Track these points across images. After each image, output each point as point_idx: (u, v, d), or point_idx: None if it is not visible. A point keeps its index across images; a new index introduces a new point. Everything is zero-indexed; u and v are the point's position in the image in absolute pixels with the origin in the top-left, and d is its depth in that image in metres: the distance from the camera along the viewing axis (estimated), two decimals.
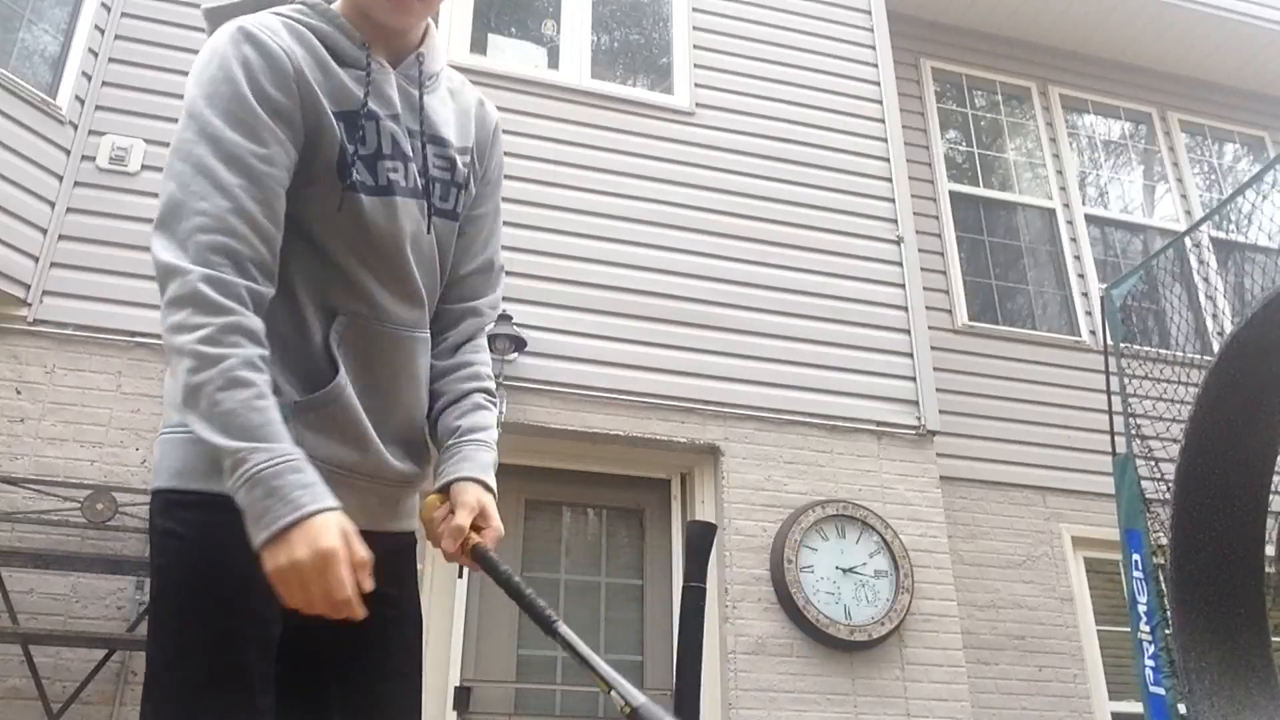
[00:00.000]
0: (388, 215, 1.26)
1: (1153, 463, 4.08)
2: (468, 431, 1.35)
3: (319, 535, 1.01)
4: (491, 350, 4.26)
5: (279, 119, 1.20)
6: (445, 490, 1.29)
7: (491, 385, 1.43)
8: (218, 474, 1.08)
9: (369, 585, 1.05)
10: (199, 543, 1.13)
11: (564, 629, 1.20)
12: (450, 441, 1.35)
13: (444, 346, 1.40)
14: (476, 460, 1.32)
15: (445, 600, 3.99)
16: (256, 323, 1.13)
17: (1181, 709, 3.55)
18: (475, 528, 1.26)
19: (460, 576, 4.02)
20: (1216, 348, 3.82)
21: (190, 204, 1.22)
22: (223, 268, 1.16)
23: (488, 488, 1.30)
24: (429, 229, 1.32)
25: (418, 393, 1.34)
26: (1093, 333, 5.76)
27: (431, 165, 1.33)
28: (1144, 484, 4.11)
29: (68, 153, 4.03)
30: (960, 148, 6.36)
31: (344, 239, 1.25)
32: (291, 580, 1.00)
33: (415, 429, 1.35)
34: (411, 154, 1.30)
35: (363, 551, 1.05)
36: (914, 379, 4.74)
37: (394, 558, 1.31)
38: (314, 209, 1.23)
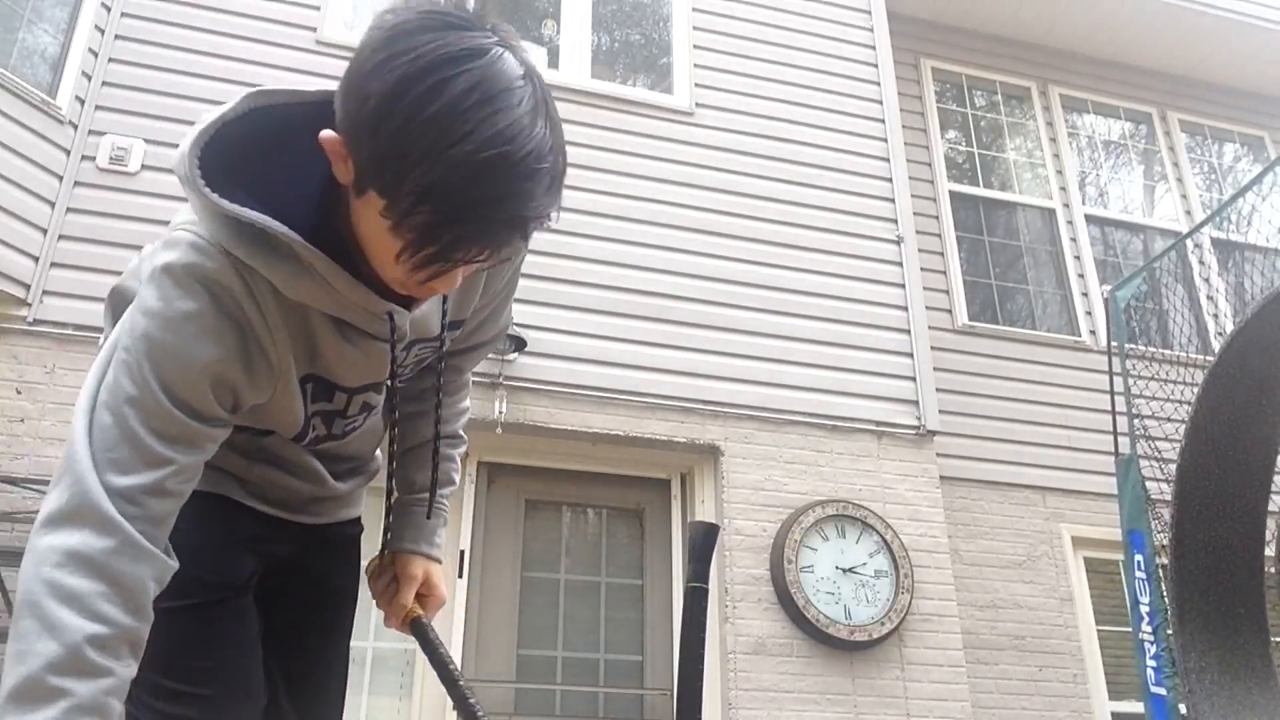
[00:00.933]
0: (333, 446, 1.30)
1: (1158, 463, 4.08)
2: (421, 489, 1.38)
3: None
4: (491, 350, 4.26)
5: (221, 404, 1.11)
6: (390, 555, 1.37)
7: (458, 426, 1.43)
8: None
9: None
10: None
11: None
12: (405, 497, 1.37)
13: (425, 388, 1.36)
14: (424, 530, 1.36)
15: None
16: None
17: (1182, 709, 3.55)
18: (419, 596, 1.34)
19: (460, 576, 4.03)
20: (1217, 347, 3.82)
21: None
22: None
23: (433, 559, 1.37)
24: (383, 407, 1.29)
25: (371, 442, 1.37)
26: (1092, 332, 5.76)
27: (413, 356, 1.23)
28: (1148, 485, 4.11)
29: (68, 153, 4.03)
30: (960, 148, 6.36)
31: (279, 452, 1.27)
32: None
33: (366, 461, 1.41)
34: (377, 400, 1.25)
35: None
36: (914, 379, 4.74)
37: (346, 546, 1.42)
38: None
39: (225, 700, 1.14)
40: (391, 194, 0.91)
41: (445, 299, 1.19)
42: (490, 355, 4.13)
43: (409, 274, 0.98)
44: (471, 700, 1.22)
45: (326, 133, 0.95)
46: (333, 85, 1.00)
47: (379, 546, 1.41)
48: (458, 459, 1.43)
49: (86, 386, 1.00)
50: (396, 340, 1.13)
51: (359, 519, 1.47)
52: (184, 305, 0.98)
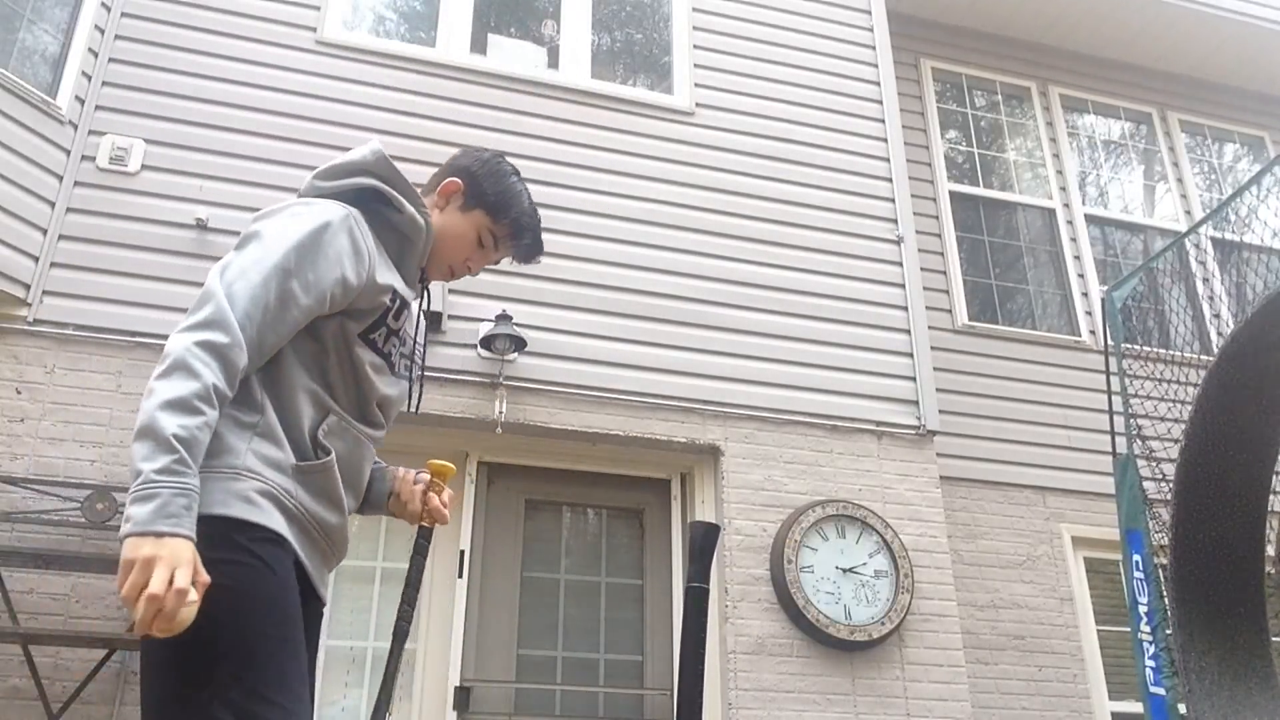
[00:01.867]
0: (378, 375, 1.64)
1: (1154, 463, 4.08)
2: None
3: (177, 547, 1.26)
4: (491, 350, 4.29)
5: (340, 289, 1.54)
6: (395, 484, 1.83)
7: None
8: (276, 512, 1.45)
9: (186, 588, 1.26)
10: (267, 568, 1.42)
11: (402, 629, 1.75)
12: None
13: None
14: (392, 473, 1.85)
15: (445, 600, 3.99)
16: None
17: (1181, 709, 3.55)
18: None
19: (460, 576, 4.03)
20: (1217, 348, 3.82)
21: (240, 302, 1.45)
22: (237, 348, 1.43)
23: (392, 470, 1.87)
24: (413, 407, 1.80)
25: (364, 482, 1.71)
26: (1092, 333, 5.76)
27: (414, 353, 1.78)
28: (1146, 484, 4.12)
29: (68, 153, 4.03)
30: (960, 148, 6.36)
31: (346, 366, 1.60)
32: (124, 569, 1.24)
33: (360, 489, 1.71)
34: (411, 352, 1.75)
35: (183, 583, 1.24)
36: (914, 379, 4.74)
37: (318, 623, 1.69)
38: (331, 336, 1.57)
39: (304, 715, 1.43)
40: (496, 215, 1.82)
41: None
42: (490, 355, 4.14)
43: (470, 261, 1.82)
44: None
45: (451, 180, 1.83)
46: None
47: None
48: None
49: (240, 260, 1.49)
50: (418, 292, 1.75)
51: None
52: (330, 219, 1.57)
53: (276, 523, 1.44)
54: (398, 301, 1.62)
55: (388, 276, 1.61)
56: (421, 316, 1.80)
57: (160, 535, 1.24)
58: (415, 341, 1.77)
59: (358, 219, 1.59)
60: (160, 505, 1.26)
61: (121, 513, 3.44)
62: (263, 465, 1.45)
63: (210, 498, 1.38)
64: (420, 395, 1.79)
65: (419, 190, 1.78)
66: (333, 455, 1.54)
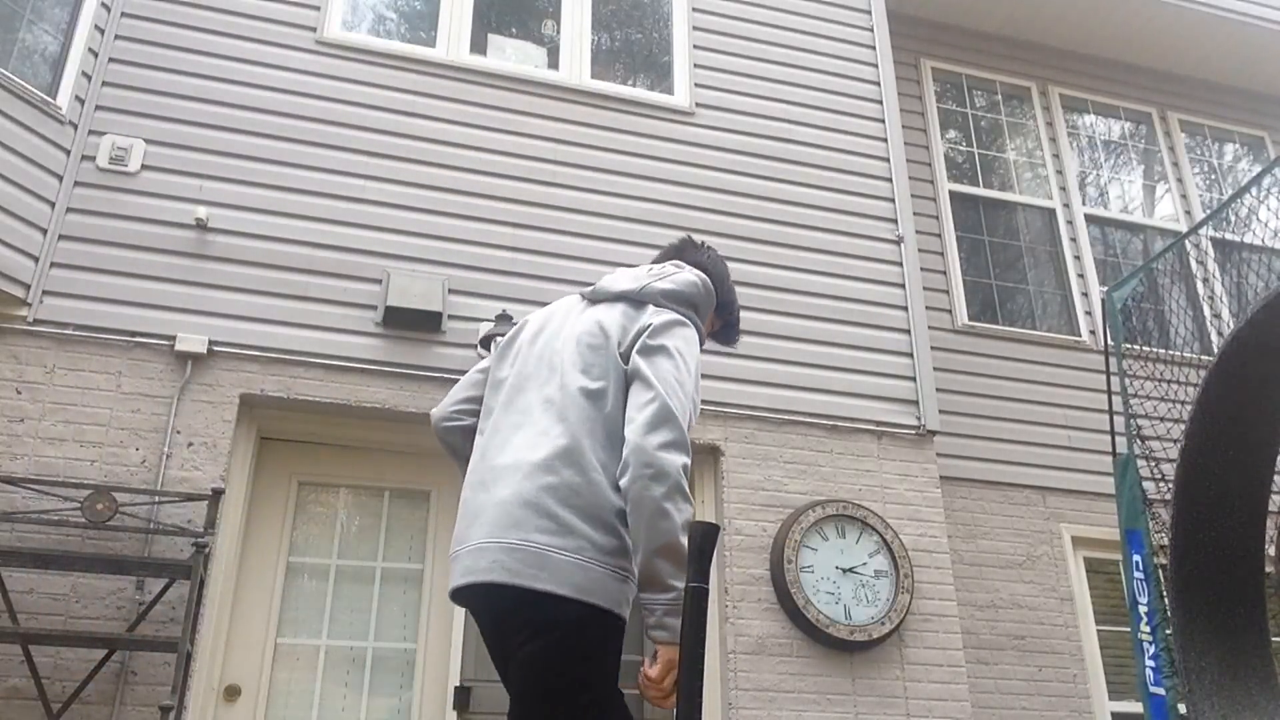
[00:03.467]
0: None
1: (1153, 463, 4.08)
2: None
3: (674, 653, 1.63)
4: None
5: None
6: None
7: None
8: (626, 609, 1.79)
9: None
10: (618, 649, 1.77)
11: None
12: None
13: None
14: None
15: (445, 600, 3.99)
16: None
17: (1181, 709, 3.55)
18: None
19: None
20: (1217, 348, 3.82)
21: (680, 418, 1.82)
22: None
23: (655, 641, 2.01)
24: None
25: None
26: (1092, 333, 5.76)
27: None
28: (1145, 484, 4.12)
29: (68, 153, 4.03)
30: (960, 148, 6.36)
31: None
32: (667, 669, 1.64)
33: None
34: None
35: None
36: (914, 379, 4.74)
37: None
38: None
39: None
40: (721, 311, 2.21)
41: None
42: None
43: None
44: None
45: (712, 317, 2.23)
46: None
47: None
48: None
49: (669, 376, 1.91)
50: None
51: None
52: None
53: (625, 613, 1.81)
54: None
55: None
56: None
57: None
58: None
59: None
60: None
61: (121, 513, 3.45)
62: (631, 567, 1.79)
63: (614, 595, 1.74)
64: None
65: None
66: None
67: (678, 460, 1.70)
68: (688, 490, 1.69)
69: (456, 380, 4.21)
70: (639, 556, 1.71)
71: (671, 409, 1.74)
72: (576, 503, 1.74)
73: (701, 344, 2.07)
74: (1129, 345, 4.51)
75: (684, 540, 1.60)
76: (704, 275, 2.09)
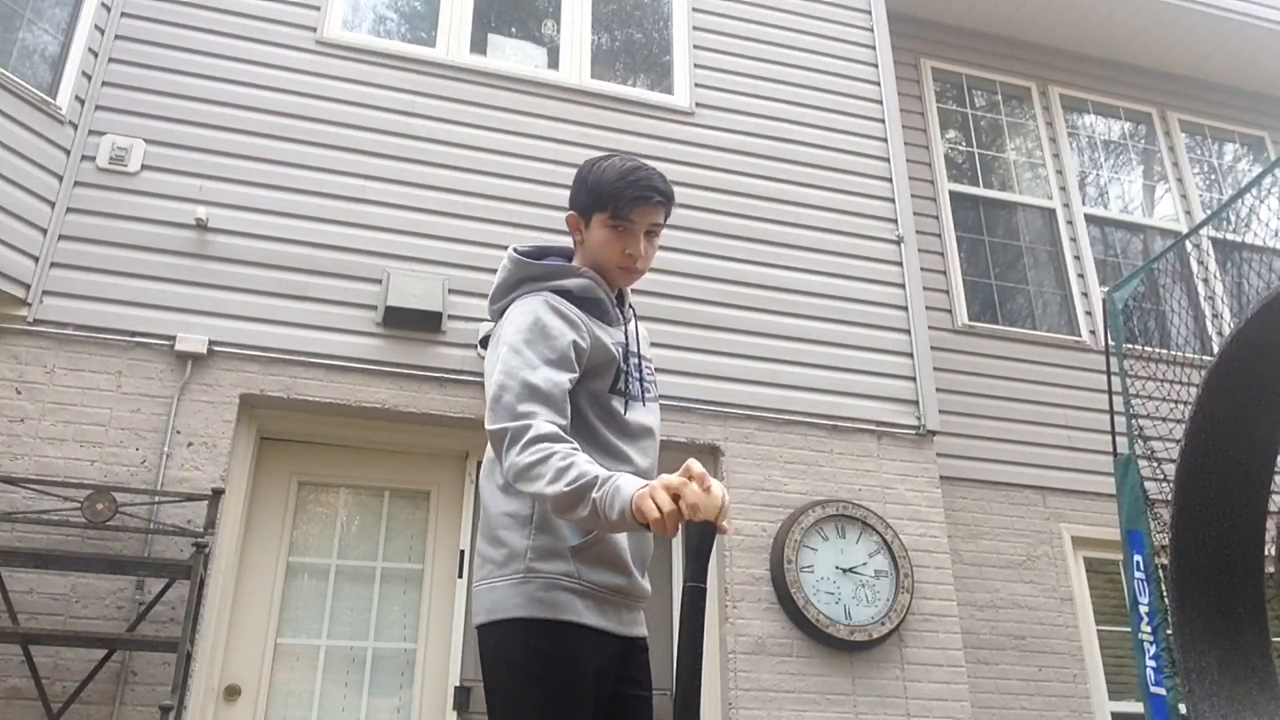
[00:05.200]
0: (634, 412, 1.84)
1: (1155, 463, 4.08)
2: None
3: (646, 492, 1.47)
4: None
5: (579, 356, 1.76)
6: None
7: None
8: (553, 608, 1.64)
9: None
10: (553, 656, 1.63)
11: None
12: None
13: None
14: None
15: (445, 600, 3.99)
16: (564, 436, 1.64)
17: (1182, 709, 3.55)
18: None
19: (461, 576, 4.02)
20: (1216, 348, 3.82)
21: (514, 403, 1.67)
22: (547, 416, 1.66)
23: None
24: (658, 421, 1.91)
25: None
26: (1093, 332, 5.76)
27: (644, 373, 1.92)
28: (1147, 485, 4.11)
29: (68, 153, 4.03)
30: (960, 148, 6.36)
31: (609, 425, 1.79)
32: (647, 509, 1.44)
33: (648, 557, 1.84)
34: (640, 373, 1.90)
35: (673, 480, 1.47)
36: (914, 379, 4.74)
37: (641, 656, 1.81)
38: (591, 405, 1.79)
39: None
40: (602, 205, 1.86)
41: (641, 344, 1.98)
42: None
43: (626, 253, 1.86)
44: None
45: (569, 214, 1.93)
46: None
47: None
48: None
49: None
50: (625, 319, 1.93)
51: (646, 636, 1.86)
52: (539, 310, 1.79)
53: (563, 610, 1.66)
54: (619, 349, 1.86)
55: (605, 336, 1.84)
56: (637, 331, 1.97)
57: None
58: (644, 358, 1.96)
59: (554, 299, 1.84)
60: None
61: (121, 513, 3.45)
62: (541, 560, 1.68)
63: (512, 601, 1.66)
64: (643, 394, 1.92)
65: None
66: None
67: (504, 428, 1.60)
68: (529, 437, 1.58)
69: (457, 380, 4.22)
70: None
71: (493, 395, 1.66)
72: (483, 529, 1.77)
73: (579, 289, 1.88)
74: (1129, 345, 4.51)
75: (557, 481, 1.51)
76: (511, 252, 1.93)
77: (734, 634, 4.04)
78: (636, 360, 1.90)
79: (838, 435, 4.54)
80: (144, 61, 4.32)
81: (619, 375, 1.82)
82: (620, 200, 1.83)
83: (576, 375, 1.73)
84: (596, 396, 1.78)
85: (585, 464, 1.53)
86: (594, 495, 1.49)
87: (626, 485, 1.48)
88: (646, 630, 1.86)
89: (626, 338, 1.89)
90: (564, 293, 1.84)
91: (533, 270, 1.87)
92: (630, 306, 1.99)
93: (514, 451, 1.58)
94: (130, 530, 3.51)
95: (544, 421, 1.60)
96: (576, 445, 1.60)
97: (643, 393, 1.88)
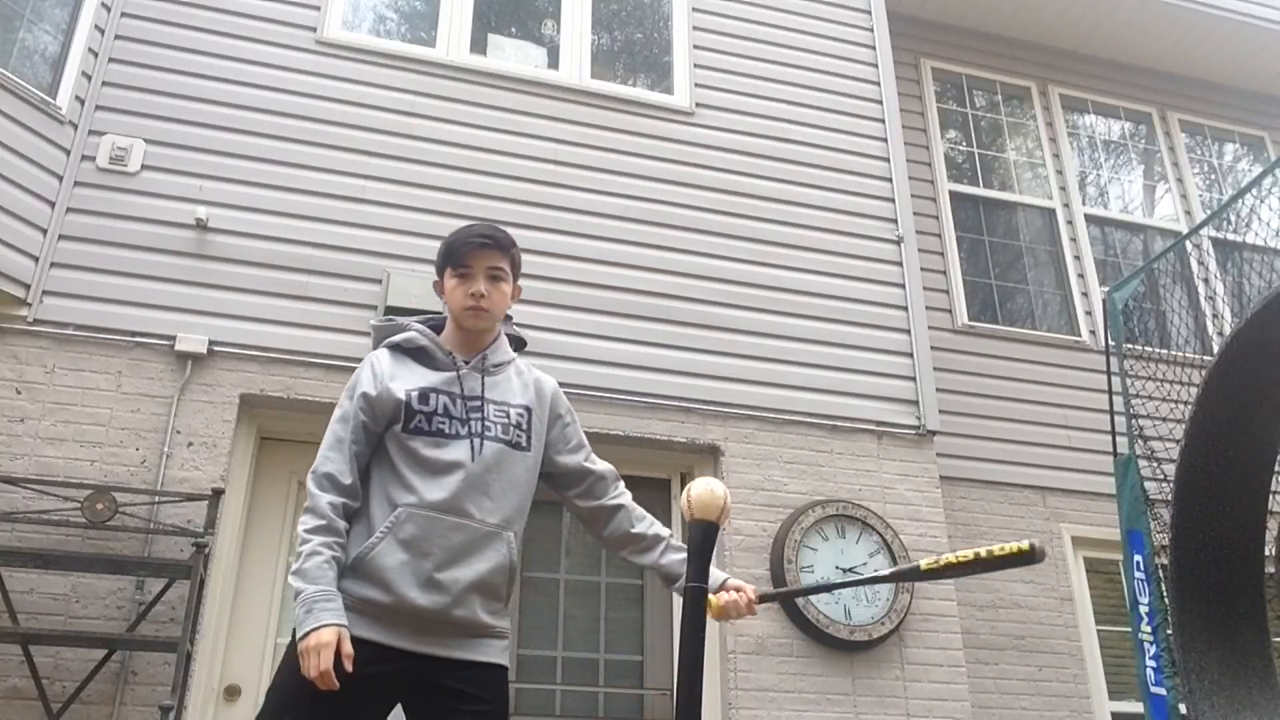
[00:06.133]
0: (438, 449, 1.99)
1: (1155, 463, 4.08)
2: (679, 551, 2.11)
3: (319, 636, 1.77)
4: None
5: (366, 406, 2.01)
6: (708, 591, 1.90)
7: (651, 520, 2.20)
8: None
9: (347, 668, 1.76)
10: (291, 666, 1.85)
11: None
12: (665, 561, 2.14)
13: (605, 506, 2.20)
14: (715, 576, 1.97)
15: None
16: (339, 523, 1.91)
17: (1182, 709, 3.55)
18: (736, 588, 1.99)
19: None
20: (1217, 348, 3.82)
21: (320, 455, 2.00)
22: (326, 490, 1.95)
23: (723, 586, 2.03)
24: (474, 457, 2.00)
25: (480, 564, 1.98)
26: (1093, 332, 5.76)
27: (492, 416, 2.06)
28: (1147, 485, 4.12)
29: (68, 153, 4.03)
30: (960, 148, 6.36)
31: (405, 460, 1.98)
32: (306, 657, 1.76)
33: (482, 586, 1.96)
34: (465, 414, 2.04)
35: (346, 648, 1.76)
36: (914, 379, 4.74)
37: (466, 673, 1.92)
38: (391, 442, 2.00)
39: None
40: (446, 263, 2.14)
41: (521, 394, 2.18)
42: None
43: (468, 296, 2.09)
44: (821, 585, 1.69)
45: (435, 282, 2.20)
46: None
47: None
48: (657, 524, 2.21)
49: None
50: (460, 368, 2.11)
51: (487, 662, 1.98)
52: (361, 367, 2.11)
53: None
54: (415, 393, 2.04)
55: (405, 383, 2.05)
56: (484, 376, 2.14)
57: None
58: (474, 401, 2.09)
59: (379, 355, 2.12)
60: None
61: (121, 513, 3.45)
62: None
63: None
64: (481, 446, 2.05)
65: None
66: (372, 546, 1.92)
67: (309, 494, 1.95)
68: (303, 522, 1.91)
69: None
70: None
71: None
72: None
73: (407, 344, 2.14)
74: (1129, 345, 4.51)
75: (294, 565, 1.86)
76: (370, 322, 2.35)
77: (734, 634, 4.04)
78: (467, 403, 2.05)
79: (838, 435, 4.54)
80: (144, 61, 4.32)
81: (410, 415, 2.00)
82: (454, 251, 2.11)
83: (366, 419, 2.00)
84: (396, 435, 1.99)
85: (311, 566, 1.85)
86: (296, 601, 1.82)
87: (310, 619, 1.78)
88: (486, 656, 1.97)
89: (462, 381, 2.07)
90: (394, 346, 2.11)
91: (376, 333, 2.18)
92: (510, 359, 2.22)
93: (301, 521, 1.92)
94: (130, 530, 3.51)
95: (322, 503, 1.91)
96: (329, 539, 1.88)
97: (468, 432, 2.02)
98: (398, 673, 1.88)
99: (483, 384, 2.11)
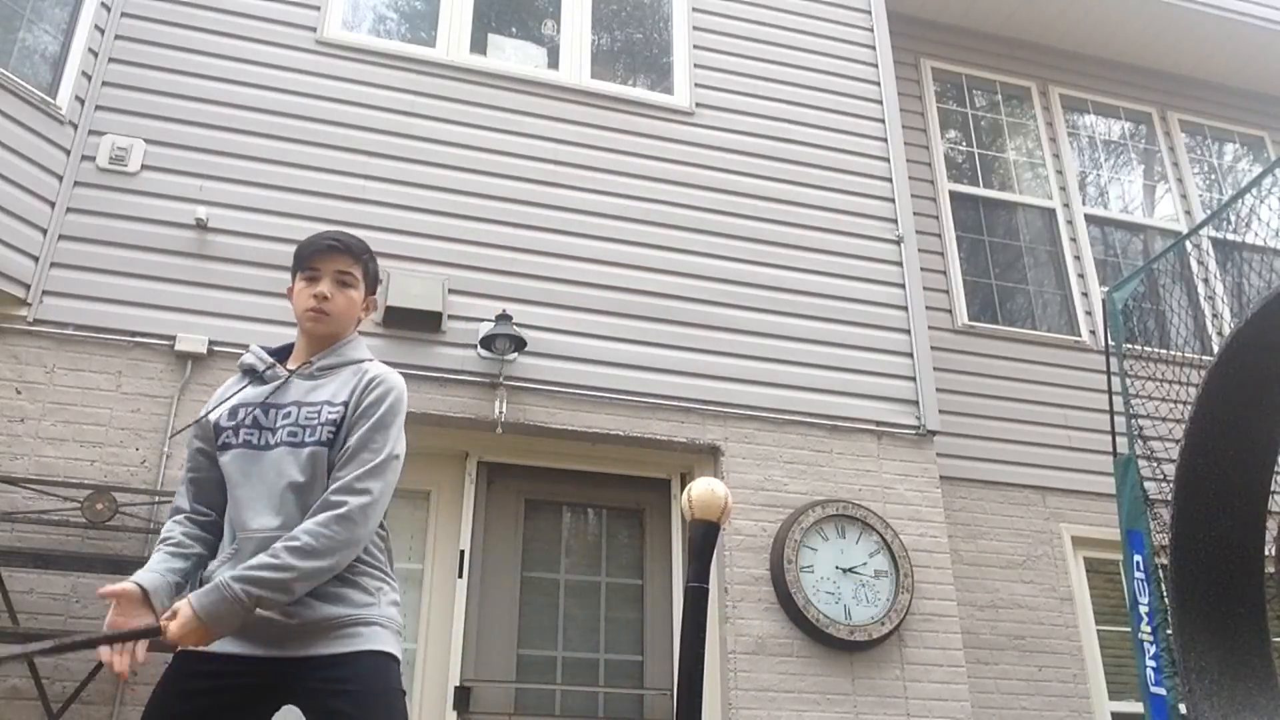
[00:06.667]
0: (228, 459, 1.99)
1: (1155, 463, 4.08)
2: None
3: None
4: (491, 350, 4.29)
5: (199, 432, 2.07)
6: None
7: (297, 542, 1.85)
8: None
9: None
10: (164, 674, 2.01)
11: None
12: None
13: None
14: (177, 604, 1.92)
15: (445, 600, 3.99)
16: (175, 531, 2.01)
17: (1182, 709, 3.55)
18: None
19: (460, 576, 4.02)
20: (1217, 348, 3.82)
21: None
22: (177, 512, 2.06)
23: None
24: (280, 466, 1.96)
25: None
26: (1093, 332, 5.76)
27: (303, 418, 1.98)
28: (1147, 485, 4.11)
29: (68, 153, 4.03)
30: (960, 148, 6.36)
31: (229, 478, 1.99)
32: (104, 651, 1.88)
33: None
34: (274, 422, 1.99)
35: (112, 588, 1.88)
36: (914, 379, 4.74)
37: (327, 672, 1.87)
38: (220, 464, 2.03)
39: None
40: (297, 266, 2.14)
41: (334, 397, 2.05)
42: (490, 355, 4.14)
43: (311, 298, 2.08)
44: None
45: (289, 287, 2.19)
46: None
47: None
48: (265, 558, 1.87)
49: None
50: (281, 378, 2.07)
51: (343, 653, 1.93)
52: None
53: None
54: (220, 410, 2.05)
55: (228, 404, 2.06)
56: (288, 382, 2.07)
57: None
58: (287, 408, 2.02)
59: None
60: None
61: (121, 513, 3.45)
62: None
63: None
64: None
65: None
66: (213, 567, 1.98)
67: None
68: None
69: (456, 380, 4.22)
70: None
71: None
72: None
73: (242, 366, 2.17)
74: (1129, 345, 4.51)
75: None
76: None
77: (734, 634, 4.04)
78: (280, 411, 2.00)
79: (838, 435, 4.54)
80: (144, 61, 4.32)
81: (219, 433, 2.01)
82: (302, 254, 2.10)
83: (200, 445, 2.04)
84: (219, 454, 2.03)
85: (153, 560, 1.95)
86: None
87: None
88: (336, 648, 1.90)
89: (283, 390, 2.02)
90: (241, 371, 2.14)
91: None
92: (350, 361, 2.09)
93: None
94: (130, 530, 3.51)
95: (165, 526, 2.03)
96: (168, 549, 1.97)
97: (277, 441, 1.96)
98: (259, 680, 1.91)
99: (303, 389, 2.04)
